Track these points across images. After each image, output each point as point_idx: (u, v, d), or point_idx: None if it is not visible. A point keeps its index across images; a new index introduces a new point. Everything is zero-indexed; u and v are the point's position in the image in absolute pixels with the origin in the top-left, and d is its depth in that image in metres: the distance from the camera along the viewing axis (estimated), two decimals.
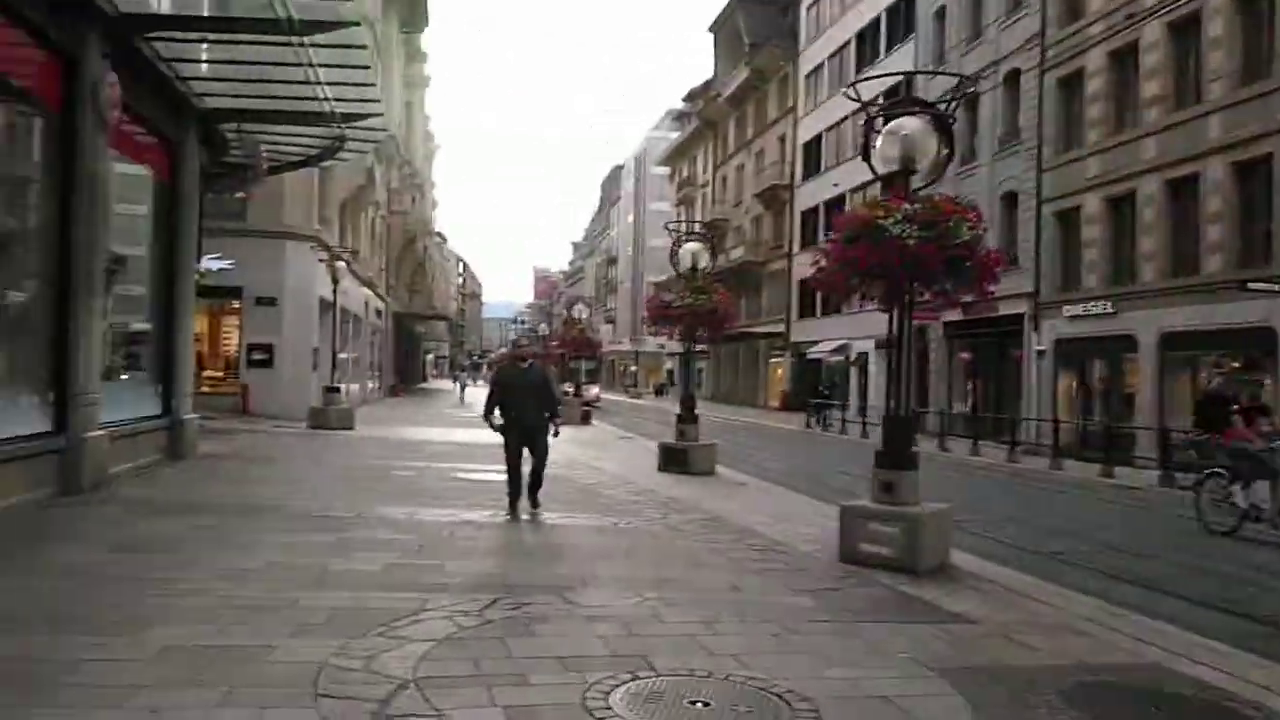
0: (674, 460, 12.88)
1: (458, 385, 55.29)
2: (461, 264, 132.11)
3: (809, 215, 41.53)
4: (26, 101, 8.36)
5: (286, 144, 13.96)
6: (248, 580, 5.46)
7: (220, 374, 23.70)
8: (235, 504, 8.44)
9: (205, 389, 22.90)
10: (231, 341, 23.97)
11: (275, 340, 21.47)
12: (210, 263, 21.15)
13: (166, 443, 11.37)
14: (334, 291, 19.87)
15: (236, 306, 22.28)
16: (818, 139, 41.44)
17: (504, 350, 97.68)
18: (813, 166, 41.81)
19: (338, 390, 19.53)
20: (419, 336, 60.92)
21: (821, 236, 40.49)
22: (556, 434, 8.62)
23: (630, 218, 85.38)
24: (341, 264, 19.43)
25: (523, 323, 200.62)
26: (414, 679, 3.81)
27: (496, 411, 8.61)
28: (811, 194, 41.07)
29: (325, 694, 3.60)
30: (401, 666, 3.96)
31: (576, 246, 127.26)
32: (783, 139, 45.56)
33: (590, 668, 4.06)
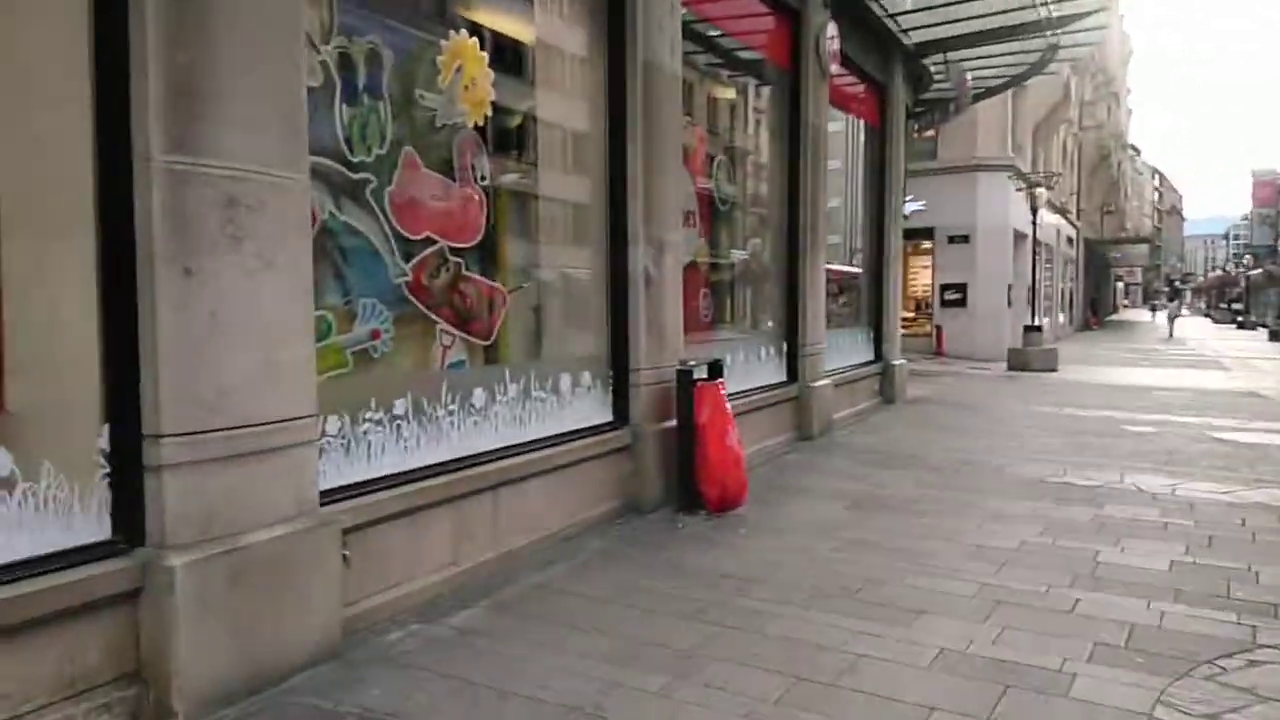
0: None
1: (1164, 316, 47.90)
2: (1157, 176, 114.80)
3: None
4: (762, 65, 8.87)
5: (992, 66, 12.97)
6: (1006, 564, 4.80)
7: (911, 314, 24.20)
8: (958, 459, 7.98)
9: (901, 331, 23.66)
10: (920, 281, 24.21)
11: (969, 278, 20.88)
12: (906, 205, 21.58)
13: (879, 387, 11.59)
14: (1033, 223, 18.33)
15: (928, 247, 22.29)
16: None
17: (1216, 273, 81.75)
18: None
19: (1039, 329, 18.11)
20: (1111, 262, 54.50)
21: None
22: None
23: None
24: (1042, 190, 17.77)
25: (1237, 238, 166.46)
26: None
27: None
28: None
29: None
30: None
31: None
32: None
33: None
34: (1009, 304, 21.22)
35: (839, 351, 10.42)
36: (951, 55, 11.80)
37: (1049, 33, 10.81)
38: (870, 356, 11.59)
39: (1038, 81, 23.63)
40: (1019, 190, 19.09)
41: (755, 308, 9.30)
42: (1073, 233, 35.65)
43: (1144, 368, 18.80)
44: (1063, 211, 31.50)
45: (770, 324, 9.10)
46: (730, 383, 6.56)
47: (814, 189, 9.13)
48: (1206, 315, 64.36)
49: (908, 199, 21.34)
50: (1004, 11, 10.25)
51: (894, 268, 11.85)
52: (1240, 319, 45.67)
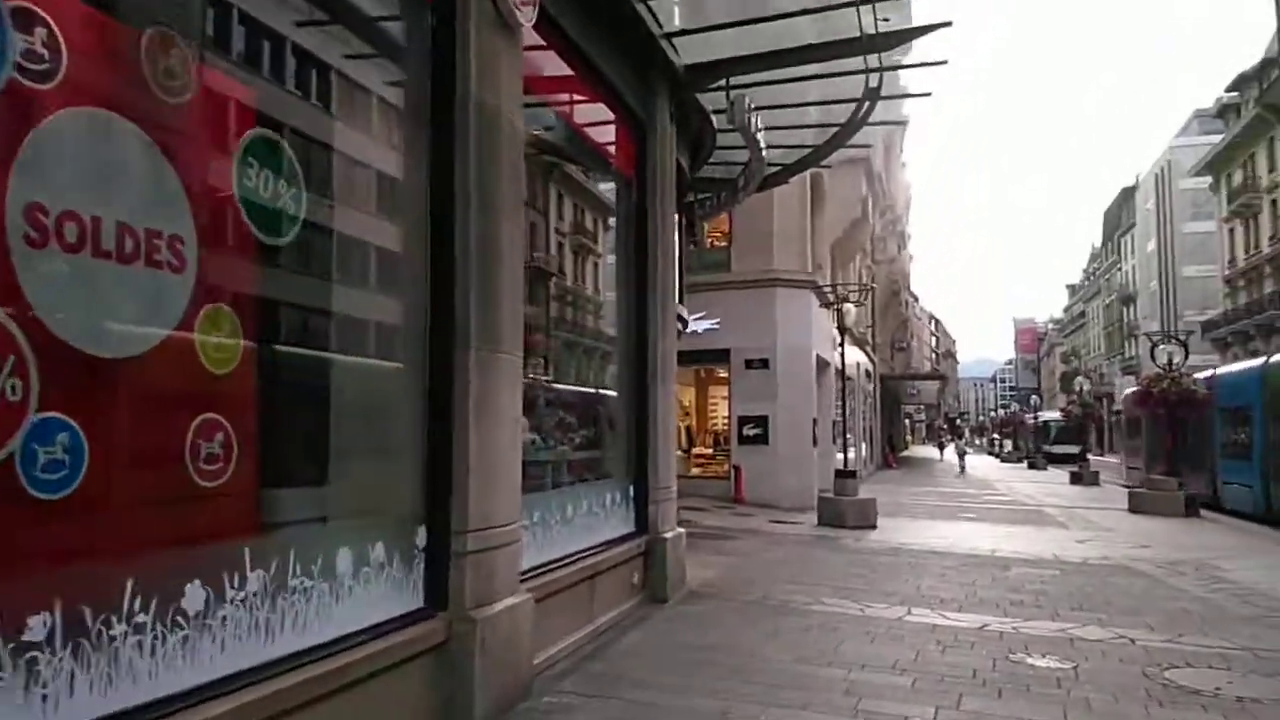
0: None
1: (951, 452, 48.20)
2: (934, 321, 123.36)
3: None
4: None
5: (791, 126, 9.73)
6: None
7: (709, 451, 20.67)
8: None
9: (695, 471, 20.01)
10: (719, 413, 20.90)
11: (769, 410, 17.54)
12: (696, 322, 18.26)
13: (640, 577, 7.35)
14: (840, 344, 15.27)
15: (724, 376, 19.00)
16: None
17: (1004, 413, 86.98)
18: None
19: (853, 475, 14.72)
20: (904, 399, 54.94)
21: None
22: None
23: (1151, 245, 70.47)
24: (850, 308, 14.79)
25: (1003, 381, 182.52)
26: None
27: None
28: None
29: None
30: None
31: (1073, 289, 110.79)
32: None
33: None
34: (815, 442, 18.03)
35: (560, 525, 6.16)
36: (738, 88, 8.27)
37: (869, 56, 7.53)
38: (626, 529, 7.35)
39: (836, 193, 21.67)
40: (822, 307, 16.18)
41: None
42: (870, 366, 34.28)
43: (971, 522, 15.80)
44: (861, 344, 29.80)
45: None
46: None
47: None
48: (991, 454, 66.34)
49: (699, 315, 18.14)
50: (810, 12, 6.87)
51: (663, 389, 7.83)
52: (1031, 459, 46.16)
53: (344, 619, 3.78)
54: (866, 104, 8.86)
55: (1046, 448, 48.38)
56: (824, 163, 17.14)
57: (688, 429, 22.17)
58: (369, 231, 4.57)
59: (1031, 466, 43.25)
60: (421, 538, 4.36)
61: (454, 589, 4.41)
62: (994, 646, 6.32)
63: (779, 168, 11.16)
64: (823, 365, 19.27)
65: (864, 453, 31.40)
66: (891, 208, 41.14)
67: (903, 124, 45.22)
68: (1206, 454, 20.17)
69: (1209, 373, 21.46)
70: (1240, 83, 49.13)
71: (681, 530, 8.09)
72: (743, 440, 17.81)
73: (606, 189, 7.96)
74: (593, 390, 7.36)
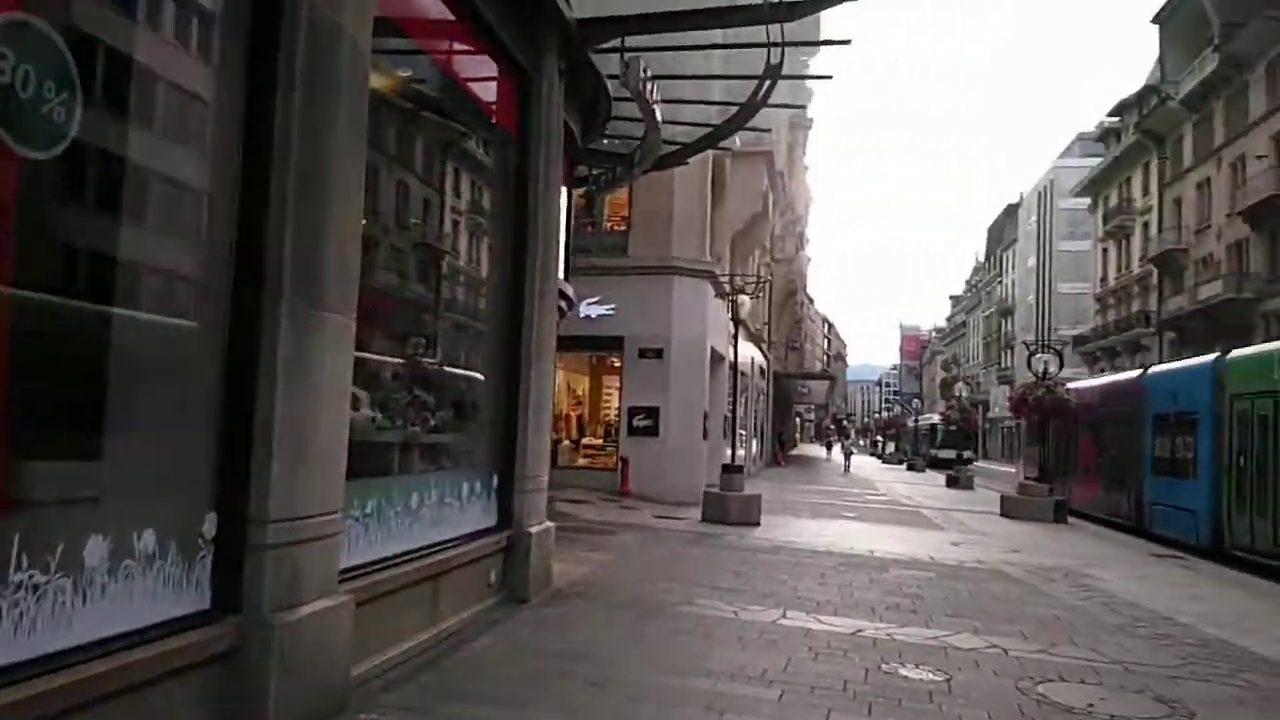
0: None
1: (838, 452, 49.24)
2: (827, 324, 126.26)
3: None
4: None
5: (688, 99, 9.24)
6: None
7: (600, 441, 20.12)
8: None
9: (583, 462, 19.45)
10: (613, 403, 20.39)
11: (661, 401, 17.12)
12: (589, 307, 17.68)
13: (500, 576, 6.73)
14: (734, 336, 14.96)
15: (617, 365, 18.49)
16: None
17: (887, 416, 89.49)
18: None
19: (740, 470, 14.44)
20: (795, 398, 55.81)
21: None
22: None
23: (1031, 261, 73.82)
24: (745, 299, 14.48)
25: (888, 385, 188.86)
26: None
27: None
28: None
29: None
30: None
31: (956, 300, 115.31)
32: (1277, 138, 33.93)
33: None
34: (705, 435, 17.73)
35: (401, 517, 5.47)
36: (635, 51, 7.71)
37: (771, 35, 7.08)
38: (486, 522, 6.70)
39: (739, 184, 21.44)
40: (718, 297, 15.84)
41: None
42: (765, 364, 34.45)
43: (852, 521, 15.78)
44: (757, 340, 29.85)
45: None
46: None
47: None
48: (875, 454, 68.22)
49: (593, 300, 17.57)
50: None
51: (537, 372, 7.21)
52: (911, 462, 47.49)
53: (93, 622, 3.05)
54: (768, 83, 8.44)
55: (933, 451, 48.78)
56: (727, 150, 16.87)
57: (579, 418, 21.59)
58: (165, 158, 3.79)
59: (910, 469, 44.53)
60: (211, 527, 3.64)
61: (249, 588, 3.70)
62: (867, 655, 5.98)
63: (678, 146, 10.68)
64: (717, 358, 19.01)
65: (754, 449, 31.53)
66: (792, 207, 41.53)
67: (806, 122, 45.91)
68: (1131, 470, 17.55)
69: (1136, 373, 19.38)
70: (1121, 109, 51.63)
71: (550, 525, 7.50)
72: (632, 431, 17.35)
73: (484, 147, 7.26)
74: (456, 369, 6.68)
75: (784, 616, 7.04)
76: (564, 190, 9.58)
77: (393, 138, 6.30)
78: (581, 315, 17.22)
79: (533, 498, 7.13)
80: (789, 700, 4.89)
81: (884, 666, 5.69)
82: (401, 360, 6.10)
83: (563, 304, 9.33)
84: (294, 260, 3.86)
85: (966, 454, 49.01)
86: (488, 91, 7.09)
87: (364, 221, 4.57)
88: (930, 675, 5.54)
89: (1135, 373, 19.24)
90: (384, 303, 5.99)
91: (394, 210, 6.27)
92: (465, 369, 6.89)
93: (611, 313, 17.19)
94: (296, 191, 3.87)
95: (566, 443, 19.86)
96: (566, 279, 9.52)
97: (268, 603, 3.72)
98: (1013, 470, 41.53)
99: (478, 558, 6.33)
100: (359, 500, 4.86)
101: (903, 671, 5.60)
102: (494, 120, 7.15)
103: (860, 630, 6.68)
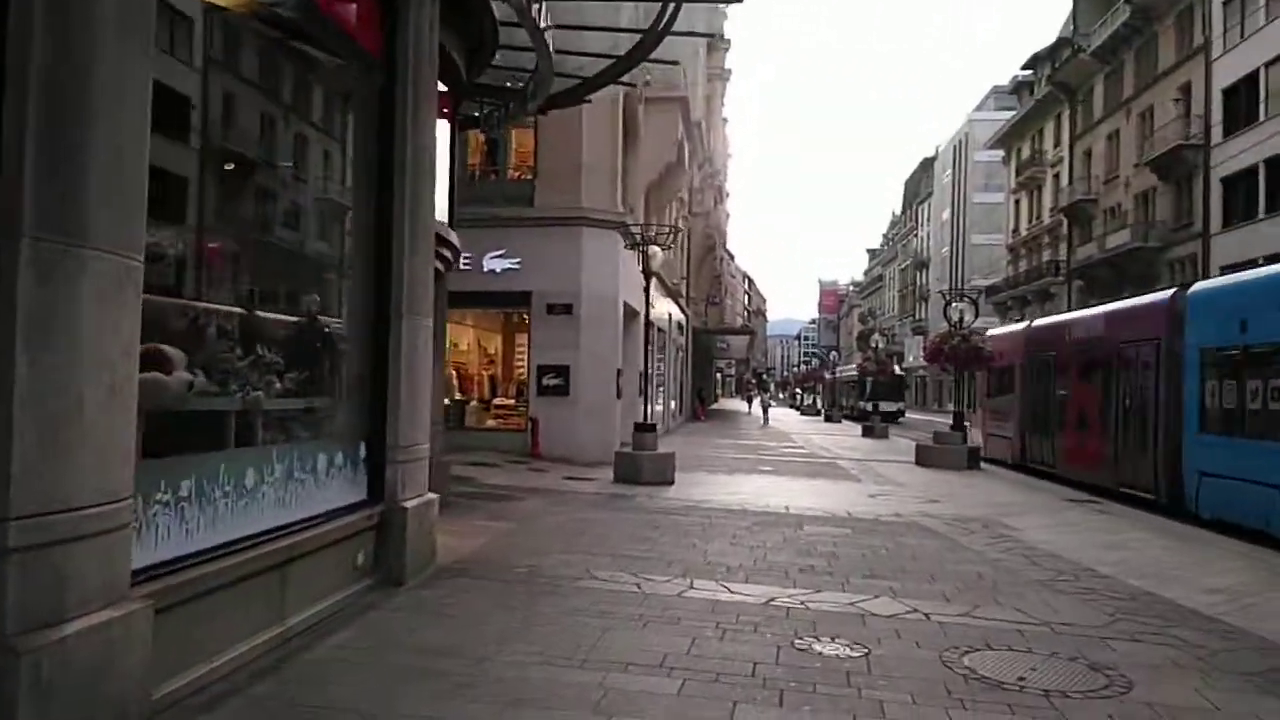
0: None
1: (757, 406, 49.42)
2: (747, 280, 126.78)
3: (1239, 181, 30.65)
4: None
5: (587, 26, 8.38)
6: None
7: (512, 402, 19.28)
8: None
9: (492, 423, 18.61)
10: (526, 363, 19.55)
11: (571, 360, 16.38)
12: (492, 261, 16.73)
13: (369, 557, 5.95)
14: (646, 289, 14.26)
15: (525, 319, 17.63)
16: (1251, 79, 30.48)
17: (807, 368, 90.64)
18: (1240, 117, 30.96)
19: (653, 429, 13.85)
20: (715, 353, 55.73)
21: (1263, 208, 29.90)
22: None
23: (946, 214, 75.08)
24: (656, 251, 13.77)
25: (807, 339, 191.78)
26: None
27: None
28: (1241, 153, 30.20)
29: None
30: None
31: (873, 253, 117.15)
32: (1186, 89, 34.72)
33: None
34: (619, 394, 17.08)
35: (233, 498, 4.62)
36: None
37: None
38: (352, 497, 5.89)
39: (652, 132, 20.59)
40: (628, 248, 15.09)
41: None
42: (683, 319, 33.97)
43: (769, 475, 15.42)
44: (674, 295, 29.28)
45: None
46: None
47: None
48: (793, 407, 68.93)
49: (498, 254, 16.63)
50: None
51: (409, 324, 6.36)
52: (829, 413, 47.96)
53: None
54: (672, 6, 7.64)
55: (862, 404, 41.88)
56: (634, 88, 16.00)
57: (491, 378, 20.71)
58: None
59: (828, 420, 44.95)
60: None
61: None
62: (779, 628, 5.45)
63: (577, 80, 9.81)
64: (631, 314, 18.31)
65: (673, 406, 31.13)
66: (710, 160, 40.86)
67: (725, 74, 45.10)
68: (1157, 427, 12.84)
69: (1166, 292, 13.69)
70: (1035, 61, 52.27)
71: (432, 497, 6.73)
72: (542, 391, 16.58)
73: (342, 71, 6.30)
74: (307, 321, 5.80)
75: (691, 587, 6.47)
76: (447, 128, 8.67)
77: (232, 53, 5.35)
78: (485, 270, 16.31)
79: (409, 468, 6.34)
80: (690, 691, 4.30)
81: (797, 642, 5.15)
82: (241, 312, 5.21)
83: (446, 253, 8.46)
84: (37, 184, 2.97)
85: (901, 405, 46.59)
86: (347, 8, 6.14)
87: (171, 143, 3.68)
88: (847, 650, 5.03)
89: (1164, 292, 13.83)
90: (215, 242, 5.08)
91: (233, 135, 5.34)
92: (322, 322, 6.02)
93: (517, 266, 16.30)
94: (42, 93, 2.98)
95: (475, 403, 19.00)
96: (451, 226, 8.62)
97: (13, 622, 2.89)
98: (930, 419, 41.69)
99: (340, 539, 5.54)
100: (168, 482, 4.02)
101: (817, 647, 5.08)
102: (354, 40, 6.20)
103: (772, 599, 6.16)
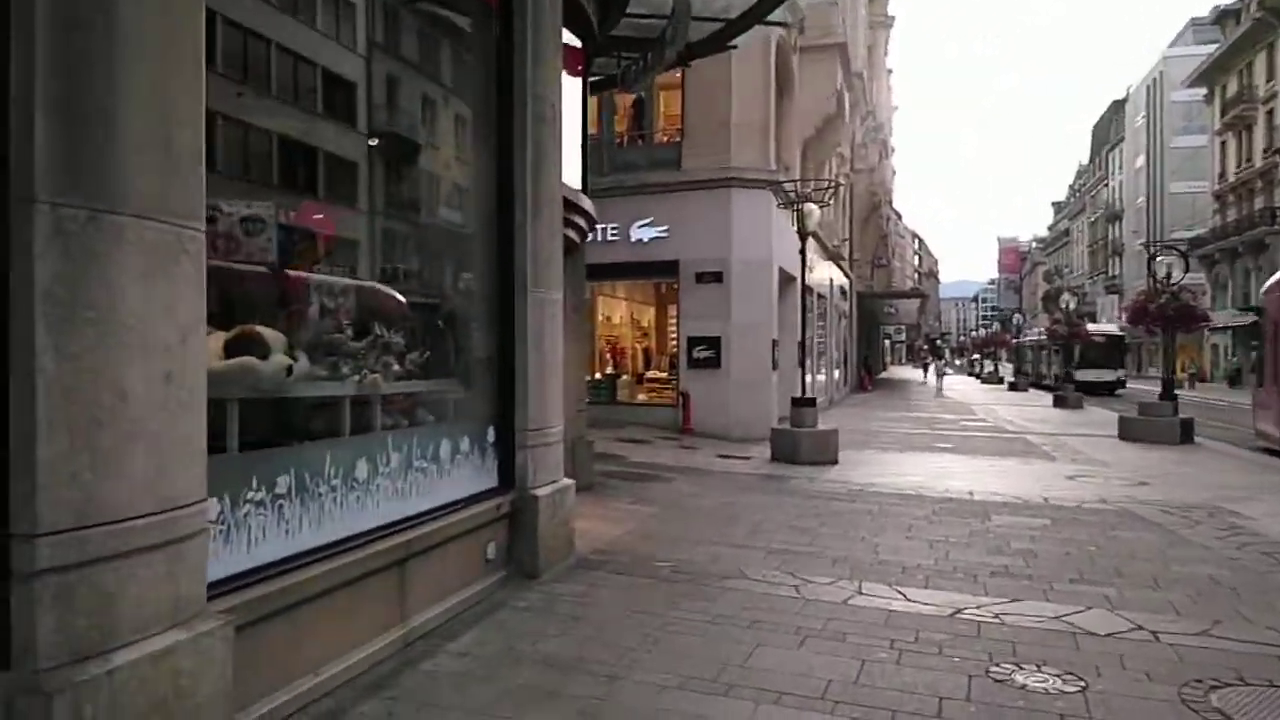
0: None
1: (931, 374, 46.82)
2: (917, 240, 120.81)
3: None
4: None
5: None
6: None
7: (664, 375, 18.75)
8: None
9: (643, 397, 18.15)
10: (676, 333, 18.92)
11: (723, 331, 15.59)
12: (640, 230, 16.16)
13: (500, 549, 5.47)
14: (802, 252, 13.23)
15: (675, 287, 16.98)
16: None
17: (979, 334, 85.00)
18: None
19: (812, 403, 12.87)
20: (882, 319, 53.16)
21: None
22: None
23: (1140, 161, 68.23)
24: (813, 209, 12.70)
25: (985, 301, 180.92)
26: None
27: None
28: None
29: None
30: None
31: (1058, 207, 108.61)
32: None
33: None
34: (774, 365, 16.15)
35: (340, 493, 4.19)
36: None
37: None
38: (480, 485, 5.42)
39: (808, 83, 19.31)
40: (781, 207, 14.04)
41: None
42: (846, 283, 32.30)
43: (948, 454, 14.07)
44: (836, 258, 27.76)
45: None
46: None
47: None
48: (973, 374, 64.81)
49: (645, 222, 16.02)
50: None
51: (534, 299, 5.80)
52: (1014, 381, 44.51)
53: None
54: None
55: (1072, 371, 33.08)
56: (785, 28, 14.83)
57: (645, 350, 20.28)
58: None
59: (1013, 388, 41.75)
60: None
61: (19, 638, 2.48)
62: (970, 650, 4.52)
63: (721, 23, 8.94)
64: (787, 279, 17.28)
65: (836, 376, 29.71)
66: (874, 114, 38.58)
67: (888, 20, 42.43)
68: None
69: None
70: None
71: (567, 483, 6.18)
72: (692, 364, 15.90)
73: (455, 19, 5.76)
74: (427, 297, 5.33)
75: (859, 592, 5.61)
76: (578, 86, 8.05)
77: (343, 6, 4.94)
78: (633, 240, 15.76)
79: (539, 453, 5.81)
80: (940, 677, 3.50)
81: (993, 670, 4.22)
82: (354, 287, 4.80)
83: (580, 221, 7.85)
84: (50, 140, 2.51)
85: (1121, 374, 35.91)
86: None
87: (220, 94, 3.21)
88: (1059, 684, 4.06)
89: None
90: (321, 214, 4.67)
91: (340, 94, 4.92)
92: (445, 298, 5.55)
93: (664, 234, 15.64)
94: (51, 46, 2.51)
95: (627, 377, 18.60)
96: (585, 193, 8.01)
97: (44, 656, 2.49)
98: (1150, 388, 33.03)
99: (466, 531, 5.07)
100: (261, 479, 3.61)
101: (1019, 678, 4.13)
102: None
103: (959, 611, 5.20)
